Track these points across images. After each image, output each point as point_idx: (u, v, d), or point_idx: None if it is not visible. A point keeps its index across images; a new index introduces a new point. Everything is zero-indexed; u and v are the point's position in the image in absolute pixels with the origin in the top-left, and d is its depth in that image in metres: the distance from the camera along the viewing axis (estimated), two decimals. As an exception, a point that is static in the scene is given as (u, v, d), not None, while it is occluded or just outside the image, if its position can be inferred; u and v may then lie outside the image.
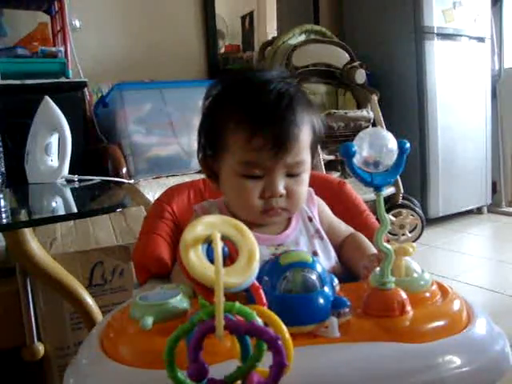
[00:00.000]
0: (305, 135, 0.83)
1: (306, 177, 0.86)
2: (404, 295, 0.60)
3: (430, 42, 2.97)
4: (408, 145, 0.60)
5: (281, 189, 0.82)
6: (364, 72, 2.83)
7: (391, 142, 0.60)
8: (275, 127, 0.79)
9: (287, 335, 0.45)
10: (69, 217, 1.30)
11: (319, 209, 0.94)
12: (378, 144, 0.59)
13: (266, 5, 3.38)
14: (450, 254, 2.67)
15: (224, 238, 0.48)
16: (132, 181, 1.88)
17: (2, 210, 1.46)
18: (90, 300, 1.34)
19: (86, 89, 2.13)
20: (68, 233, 1.54)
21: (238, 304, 0.45)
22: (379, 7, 3.18)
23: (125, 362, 0.55)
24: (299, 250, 0.66)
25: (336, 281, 0.63)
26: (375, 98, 2.82)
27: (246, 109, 0.82)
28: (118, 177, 1.86)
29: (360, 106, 2.88)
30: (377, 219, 0.93)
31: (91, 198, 1.58)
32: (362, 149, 0.59)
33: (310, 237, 0.89)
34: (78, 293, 1.34)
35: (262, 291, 0.52)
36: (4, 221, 1.30)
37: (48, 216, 1.25)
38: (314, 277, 0.59)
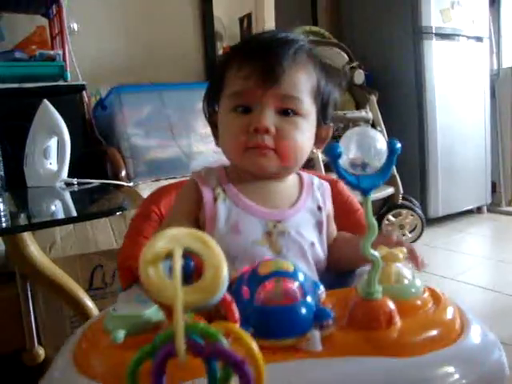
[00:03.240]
0: (300, 75, 0.79)
1: (301, 122, 0.80)
2: (392, 305, 0.55)
3: (428, 41, 2.97)
4: (399, 145, 0.56)
5: (267, 123, 0.76)
6: (362, 72, 2.83)
7: (380, 142, 0.55)
8: (266, 56, 0.77)
9: (258, 356, 0.40)
10: (68, 220, 1.30)
11: (328, 206, 0.89)
12: (366, 144, 0.55)
13: (263, 6, 3.38)
14: (449, 253, 2.67)
15: (191, 252, 0.45)
16: (131, 184, 1.88)
17: (2, 213, 1.46)
18: (90, 303, 1.34)
19: (84, 92, 2.13)
20: (68, 236, 1.54)
21: (201, 324, 0.42)
22: (377, 8, 3.18)
23: (95, 377, 0.51)
24: (279, 259, 0.60)
25: (321, 288, 0.59)
26: (374, 98, 2.83)
27: (243, 45, 0.86)
28: (117, 180, 1.86)
29: (359, 106, 2.88)
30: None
31: (91, 202, 1.58)
32: (349, 149, 0.55)
33: (312, 227, 0.84)
34: (78, 296, 1.34)
35: (234, 306, 0.49)
36: (3, 225, 1.30)
37: (47, 220, 1.25)
38: (294, 287, 0.55)
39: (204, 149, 2.17)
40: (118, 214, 1.25)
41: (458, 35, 3.09)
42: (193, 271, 0.46)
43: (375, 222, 0.55)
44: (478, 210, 3.41)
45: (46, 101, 1.68)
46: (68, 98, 1.95)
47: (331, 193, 0.89)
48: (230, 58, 0.82)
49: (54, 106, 1.68)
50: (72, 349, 0.57)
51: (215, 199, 0.80)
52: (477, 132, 3.26)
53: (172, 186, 1.03)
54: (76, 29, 2.43)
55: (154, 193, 1.02)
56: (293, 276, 0.56)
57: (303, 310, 0.54)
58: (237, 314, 0.49)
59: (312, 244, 0.82)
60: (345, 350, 0.52)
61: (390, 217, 2.79)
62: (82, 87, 2.05)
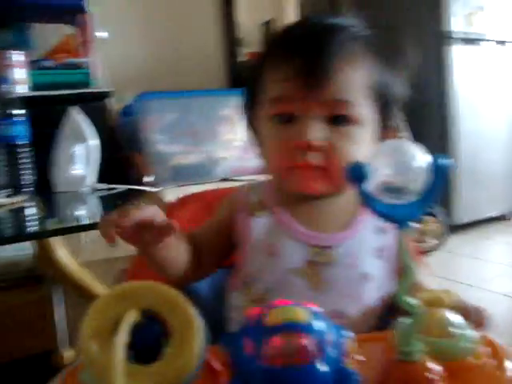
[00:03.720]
0: (353, 71, 0.64)
1: (357, 131, 0.64)
2: (436, 368, 0.43)
3: (451, 47, 2.94)
4: (447, 161, 0.44)
5: (312, 136, 0.61)
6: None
7: (420, 160, 0.44)
8: (305, 52, 0.62)
9: None
10: (95, 225, 1.33)
11: None
12: (402, 163, 0.43)
13: (285, 12, 3.40)
14: (474, 261, 2.63)
15: (154, 313, 0.36)
16: (156, 189, 1.91)
17: (31, 218, 1.49)
18: (116, 307, 1.36)
19: (110, 98, 2.17)
20: (95, 240, 1.57)
21: None
22: (400, 13, 3.17)
23: None
24: (292, 306, 0.46)
25: (347, 335, 0.48)
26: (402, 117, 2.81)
27: (281, 36, 0.69)
28: (142, 185, 1.89)
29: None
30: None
31: (116, 207, 1.61)
32: (380, 169, 0.44)
33: (370, 253, 0.67)
34: (94, 294, 1.36)
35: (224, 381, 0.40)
36: (32, 229, 1.34)
37: (75, 225, 1.28)
38: (309, 343, 0.43)
39: (227, 155, 2.19)
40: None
41: (483, 40, 3.05)
42: (159, 339, 0.36)
43: (413, 264, 0.44)
44: (504, 216, 3.35)
45: (73, 108, 1.72)
46: (94, 105, 1.99)
47: None
48: (267, 54, 0.70)
49: (81, 112, 1.72)
50: None
51: (251, 213, 0.69)
52: (502, 138, 3.21)
53: (191, 198, 0.96)
54: (102, 37, 2.47)
55: (171, 205, 0.95)
56: (307, 329, 0.44)
57: (319, 372, 0.42)
58: None
59: (366, 276, 0.66)
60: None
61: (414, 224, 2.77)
62: (108, 94, 2.09)
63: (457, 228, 3.04)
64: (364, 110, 0.65)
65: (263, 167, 0.72)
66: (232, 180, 2.07)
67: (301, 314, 0.45)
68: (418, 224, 2.75)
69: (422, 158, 0.44)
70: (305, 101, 0.63)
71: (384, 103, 0.68)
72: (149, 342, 0.35)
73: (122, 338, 0.33)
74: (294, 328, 0.44)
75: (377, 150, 0.47)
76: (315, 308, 0.48)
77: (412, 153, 0.44)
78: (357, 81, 0.64)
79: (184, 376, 0.34)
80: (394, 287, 0.63)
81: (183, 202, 0.95)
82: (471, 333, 0.47)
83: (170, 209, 0.93)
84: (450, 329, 0.47)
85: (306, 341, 0.43)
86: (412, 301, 0.43)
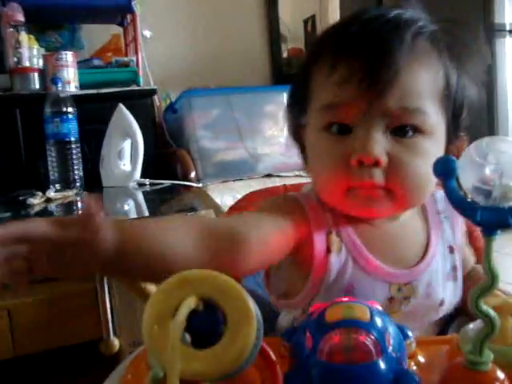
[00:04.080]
0: (421, 73, 0.55)
1: (426, 143, 0.55)
2: (505, 380, 0.41)
3: (501, 40, 2.86)
4: None
5: (375, 149, 0.53)
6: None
7: None
8: (370, 49, 0.53)
9: None
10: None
11: (462, 231, 0.66)
12: (501, 161, 0.38)
13: (328, 8, 3.37)
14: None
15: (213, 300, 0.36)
16: (200, 185, 1.94)
17: (81, 212, 1.55)
18: (161, 298, 1.40)
19: (155, 96, 2.21)
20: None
21: None
22: (446, 5, 3.10)
23: None
24: (353, 302, 0.45)
25: (411, 337, 0.46)
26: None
27: (336, 32, 0.59)
28: (186, 181, 1.92)
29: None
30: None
31: (162, 202, 1.65)
32: (472, 166, 0.40)
33: (445, 277, 0.62)
34: (150, 291, 1.40)
35: (278, 371, 0.40)
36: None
37: (121, 219, 1.32)
38: (368, 342, 0.41)
39: (270, 151, 2.21)
40: (189, 214, 1.30)
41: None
42: (220, 326, 0.37)
43: (497, 271, 0.40)
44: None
45: (121, 105, 1.77)
46: (140, 102, 2.03)
47: None
48: (319, 53, 0.59)
49: (127, 109, 1.77)
50: (119, 378, 0.49)
51: (328, 249, 0.58)
52: (554, 134, 3.11)
53: (261, 192, 0.91)
54: (148, 36, 2.52)
55: (241, 199, 0.89)
56: (368, 327, 0.42)
57: (378, 372, 0.40)
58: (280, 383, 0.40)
59: (441, 302, 0.62)
60: None
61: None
62: (153, 91, 2.14)
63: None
64: (433, 118, 0.56)
65: (313, 185, 0.64)
66: (275, 176, 2.08)
67: (361, 311, 0.44)
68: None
69: None
70: (367, 109, 0.54)
71: (454, 110, 0.59)
72: (206, 328, 0.36)
73: (180, 321, 0.34)
74: (354, 324, 0.43)
75: (475, 145, 0.41)
76: (377, 306, 0.46)
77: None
78: (426, 85, 0.55)
79: (237, 363, 0.35)
80: (457, 304, 0.63)
81: (253, 197, 0.88)
82: None
83: (239, 207, 0.88)
84: None
85: (366, 338, 0.42)
86: (489, 309, 0.40)
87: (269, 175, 2.12)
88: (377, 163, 0.53)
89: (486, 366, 0.41)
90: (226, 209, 1.08)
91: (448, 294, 0.62)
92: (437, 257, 0.62)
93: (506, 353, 0.43)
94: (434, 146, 0.56)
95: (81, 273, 0.44)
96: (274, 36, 3.02)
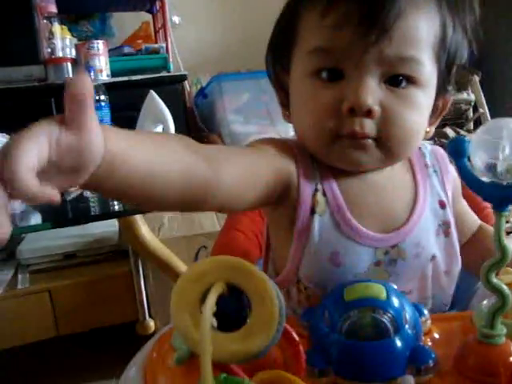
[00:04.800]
0: (420, 21, 0.52)
1: (418, 95, 0.54)
2: None
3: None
4: None
5: (369, 98, 0.51)
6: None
7: None
8: None
9: None
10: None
11: (453, 188, 0.63)
12: (503, 136, 0.40)
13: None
14: None
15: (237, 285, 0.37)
16: (231, 169, 1.95)
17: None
18: (195, 281, 1.42)
19: (186, 81, 2.23)
20: (174, 218, 1.64)
21: (245, 380, 0.36)
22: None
23: None
24: (371, 282, 0.46)
25: (426, 314, 0.48)
26: (477, 78, 2.68)
27: None
28: (218, 165, 1.93)
29: (460, 88, 2.74)
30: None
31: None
32: (485, 146, 0.40)
33: (434, 233, 0.60)
34: (180, 272, 1.43)
35: (301, 350, 0.41)
36: (117, 208, 1.42)
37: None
38: (386, 319, 0.43)
39: (300, 134, 2.19)
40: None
41: None
42: (246, 310, 0.38)
43: (509, 246, 0.41)
44: None
45: (152, 91, 1.79)
46: (171, 88, 2.05)
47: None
48: None
49: (158, 95, 1.78)
50: (144, 359, 0.50)
51: (312, 209, 0.56)
52: None
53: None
54: (177, 22, 2.53)
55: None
56: (385, 306, 0.44)
57: (396, 349, 0.42)
58: (303, 363, 0.41)
59: (433, 257, 0.60)
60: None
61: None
62: (183, 77, 2.15)
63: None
64: (427, 69, 0.54)
65: (297, 134, 0.60)
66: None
67: (378, 290, 0.45)
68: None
69: None
70: (362, 55, 0.50)
71: (446, 63, 0.57)
72: (231, 312, 0.37)
73: (210, 305, 0.35)
74: (371, 303, 0.44)
75: (483, 126, 0.41)
76: (393, 286, 0.47)
77: None
78: (424, 33, 0.52)
79: (264, 344, 0.36)
80: (456, 263, 0.62)
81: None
82: None
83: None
84: None
85: (383, 316, 0.43)
86: (499, 283, 0.41)
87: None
88: (369, 113, 0.51)
89: (499, 339, 0.42)
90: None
91: (439, 250, 0.60)
92: (425, 213, 0.59)
93: None
94: (425, 98, 0.55)
95: (70, 182, 0.37)
96: (304, 18, 2.99)
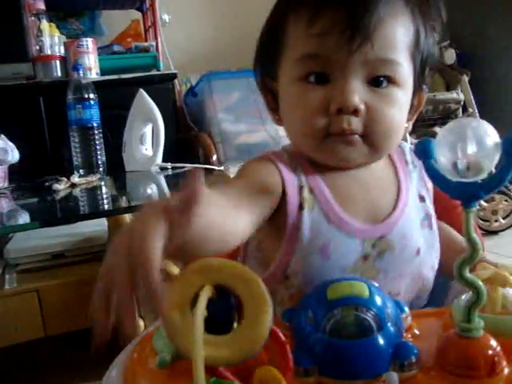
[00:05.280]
0: (397, 27, 0.58)
1: (398, 93, 0.59)
2: (496, 346, 0.42)
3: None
4: None
5: (355, 98, 0.55)
6: (454, 52, 2.71)
7: (491, 137, 0.42)
8: (348, 2, 0.55)
9: None
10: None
11: (430, 184, 0.67)
12: (472, 139, 0.41)
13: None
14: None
15: (226, 288, 0.38)
16: (222, 168, 1.95)
17: (104, 196, 1.58)
18: (184, 281, 1.42)
19: (176, 80, 2.22)
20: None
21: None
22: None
23: None
24: (353, 280, 0.47)
25: (407, 311, 0.49)
26: (466, 78, 2.70)
27: None
28: (208, 164, 1.93)
29: (449, 87, 2.76)
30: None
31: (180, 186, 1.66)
32: (447, 146, 0.42)
33: (418, 225, 0.64)
34: (172, 273, 1.42)
35: (288, 351, 0.42)
36: (106, 207, 1.41)
37: (145, 202, 1.34)
38: (369, 317, 0.44)
39: (291, 133, 2.19)
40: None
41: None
42: (232, 313, 0.39)
43: (478, 240, 0.42)
44: None
45: (141, 90, 1.78)
46: (161, 87, 2.04)
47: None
48: (296, 3, 0.60)
49: (148, 94, 1.78)
50: (125, 361, 0.50)
51: (301, 205, 0.60)
52: None
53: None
54: (167, 20, 2.52)
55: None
56: (368, 303, 0.45)
57: (379, 346, 0.43)
58: (291, 362, 0.41)
59: (418, 251, 0.63)
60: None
61: (482, 202, 2.67)
62: (173, 76, 2.14)
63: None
64: (405, 69, 0.59)
65: (289, 136, 0.65)
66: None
67: (361, 288, 0.46)
68: (487, 203, 2.65)
69: (493, 135, 0.42)
70: (347, 59, 0.55)
71: (421, 64, 0.62)
72: (219, 315, 0.37)
73: (201, 310, 0.35)
74: (354, 301, 0.45)
75: (446, 126, 0.44)
76: (375, 284, 0.49)
77: (483, 130, 0.42)
78: (400, 38, 0.58)
79: (257, 347, 0.36)
80: (437, 257, 0.65)
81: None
82: None
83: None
84: (511, 306, 0.47)
85: (366, 314, 0.44)
86: (473, 278, 0.42)
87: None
88: (355, 111, 0.56)
89: (477, 333, 0.42)
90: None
91: (424, 243, 0.63)
92: (409, 205, 0.63)
93: (496, 321, 0.45)
94: (404, 96, 0.60)
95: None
96: (294, 17, 2.99)
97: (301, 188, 0.60)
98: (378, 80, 0.58)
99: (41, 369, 1.56)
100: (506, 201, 2.66)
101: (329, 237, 0.59)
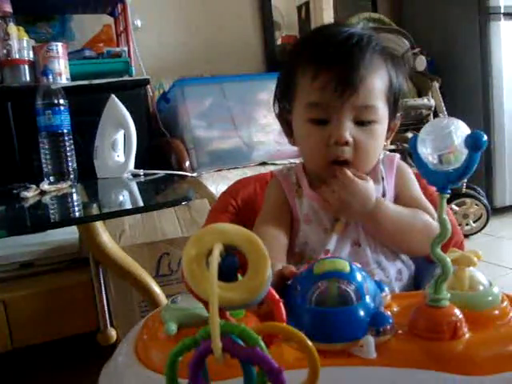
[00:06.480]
0: (376, 80, 0.78)
1: (378, 129, 0.80)
2: (459, 315, 0.50)
3: (495, 22, 2.84)
4: (485, 139, 0.48)
5: (346, 134, 0.76)
6: (424, 59, 2.76)
7: (461, 133, 0.49)
8: (340, 65, 0.76)
9: (315, 355, 0.38)
10: (136, 210, 1.36)
11: (398, 181, 0.87)
12: (448, 136, 0.49)
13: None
14: (517, 244, 2.57)
15: (235, 249, 0.44)
16: (195, 174, 1.93)
17: (75, 203, 1.54)
18: (157, 289, 1.40)
19: (148, 86, 2.20)
20: (136, 225, 1.61)
21: (242, 325, 0.40)
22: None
23: (154, 368, 0.51)
24: (336, 258, 0.56)
25: (386, 290, 0.57)
26: (436, 84, 2.75)
27: (314, 49, 0.81)
28: (181, 170, 1.91)
29: (420, 94, 2.81)
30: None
31: (156, 192, 1.64)
32: (429, 141, 0.51)
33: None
34: (146, 282, 1.40)
35: (281, 306, 0.46)
36: (77, 214, 1.38)
37: (117, 210, 1.31)
38: (350, 289, 0.51)
39: (265, 139, 2.20)
40: (183, 203, 1.30)
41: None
42: (236, 268, 0.45)
43: (449, 223, 0.50)
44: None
45: (113, 96, 1.75)
46: (133, 93, 2.02)
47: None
48: (303, 61, 0.81)
49: (120, 100, 1.75)
50: (134, 338, 0.57)
51: (295, 195, 0.86)
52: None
53: (250, 179, 1.06)
54: (139, 25, 2.50)
55: (232, 185, 1.05)
56: (349, 277, 0.52)
57: (358, 314, 0.50)
58: (283, 314, 0.46)
59: (355, 243, 0.83)
60: (400, 361, 0.47)
61: (454, 206, 2.72)
62: (146, 81, 2.12)
63: (498, 211, 2.97)
64: (383, 110, 0.80)
65: (303, 159, 0.88)
66: (270, 164, 2.08)
67: (343, 264, 0.54)
68: (458, 207, 2.70)
69: (463, 131, 0.49)
70: (340, 106, 0.76)
71: (394, 101, 0.82)
72: (226, 269, 0.43)
73: (215, 259, 0.41)
74: (337, 275, 0.53)
75: (430, 125, 0.52)
76: (358, 265, 0.57)
77: (455, 126, 0.49)
78: (379, 87, 0.79)
79: (259, 291, 0.42)
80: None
81: (242, 183, 1.05)
82: (496, 289, 0.55)
83: (230, 191, 1.03)
84: (477, 284, 0.55)
85: (347, 287, 0.52)
86: (442, 254, 0.50)
87: (263, 163, 2.12)
88: (346, 143, 0.77)
89: (444, 302, 0.50)
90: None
91: (362, 239, 0.82)
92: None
93: (462, 296, 0.53)
94: (382, 129, 0.81)
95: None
96: (268, 23, 3.00)
97: (293, 185, 0.87)
98: (363, 121, 0.78)
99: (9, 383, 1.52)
100: (477, 205, 2.71)
101: (309, 209, 0.84)
